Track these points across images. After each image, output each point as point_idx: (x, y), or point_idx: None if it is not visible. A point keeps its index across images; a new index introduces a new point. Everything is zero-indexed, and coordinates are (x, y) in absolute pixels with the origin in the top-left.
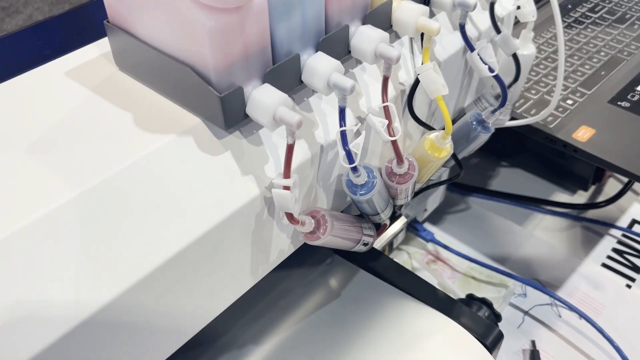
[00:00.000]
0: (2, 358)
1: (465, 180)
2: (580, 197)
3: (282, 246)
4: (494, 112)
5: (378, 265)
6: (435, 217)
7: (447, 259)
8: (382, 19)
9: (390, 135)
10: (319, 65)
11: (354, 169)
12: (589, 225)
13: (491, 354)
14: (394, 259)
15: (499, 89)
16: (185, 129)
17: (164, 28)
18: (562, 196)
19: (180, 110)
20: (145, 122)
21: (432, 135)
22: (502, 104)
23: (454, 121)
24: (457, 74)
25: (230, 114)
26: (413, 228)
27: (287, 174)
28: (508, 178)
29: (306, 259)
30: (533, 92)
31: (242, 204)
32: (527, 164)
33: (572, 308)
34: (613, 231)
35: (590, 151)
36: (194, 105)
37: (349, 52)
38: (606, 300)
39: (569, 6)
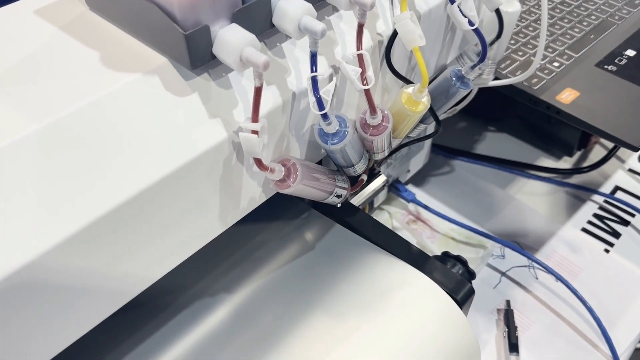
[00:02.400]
0: None
1: (451, 143)
2: (565, 163)
3: (252, 194)
4: (473, 67)
5: (354, 220)
6: (418, 179)
7: (427, 220)
8: None
9: (364, 84)
10: (289, 7)
11: (325, 116)
12: (572, 190)
13: (461, 309)
14: (377, 216)
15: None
16: (151, 68)
17: None
18: (547, 161)
19: (148, 50)
20: (111, 61)
21: (409, 88)
22: (482, 59)
23: (435, 77)
24: (439, 29)
25: (195, 53)
26: (395, 188)
27: (255, 118)
28: (494, 142)
29: (282, 213)
30: (520, 53)
31: (208, 147)
32: (514, 128)
33: (548, 270)
34: (595, 197)
35: (573, 113)
36: (161, 44)
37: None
38: (583, 264)
39: None
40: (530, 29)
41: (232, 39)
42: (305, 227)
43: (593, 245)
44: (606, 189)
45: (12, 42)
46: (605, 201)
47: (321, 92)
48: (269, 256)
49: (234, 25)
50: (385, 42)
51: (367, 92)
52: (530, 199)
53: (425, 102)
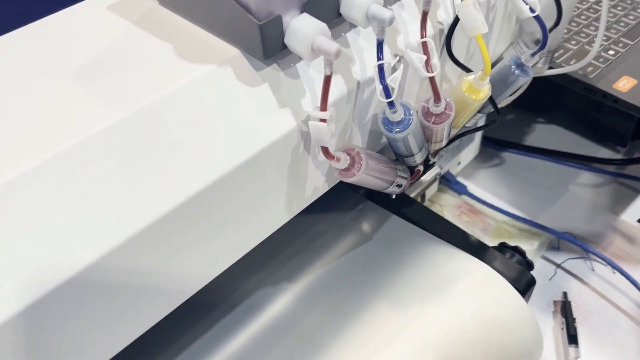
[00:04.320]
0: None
1: (500, 135)
2: (619, 154)
3: (317, 183)
4: (533, 54)
5: (410, 211)
6: (469, 172)
7: (480, 212)
8: None
9: (429, 72)
10: None
11: (391, 104)
12: (626, 181)
13: (523, 297)
14: None
15: (538, 34)
16: (224, 60)
17: None
18: (600, 152)
19: (220, 42)
20: (185, 53)
21: (470, 76)
22: (543, 47)
23: (492, 65)
24: (496, 17)
25: (269, 43)
26: (446, 180)
27: (324, 106)
28: (544, 134)
29: (338, 204)
30: (573, 42)
31: (279, 136)
32: (564, 120)
33: (606, 260)
34: None
35: (632, 101)
36: (233, 36)
37: None
38: None
39: None
40: (583, 17)
41: (304, 29)
42: (362, 218)
43: None
44: None
45: (87, 37)
46: None
47: (388, 80)
48: (327, 247)
49: (305, 15)
50: (446, 31)
51: (432, 80)
52: (584, 191)
53: (486, 90)
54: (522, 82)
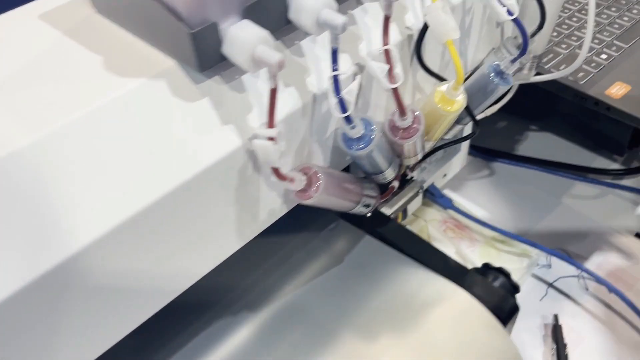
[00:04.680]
0: None
1: (490, 143)
2: (616, 163)
3: (272, 205)
4: (513, 61)
5: (386, 231)
6: (456, 183)
7: (467, 227)
8: None
9: (391, 82)
10: (307, 0)
11: (347, 119)
12: (623, 193)
13: (504, 326)
14: (409, 227)
15: (521, 39)
16: (157, 72)
17: None
18: (596, 162)
19: (157, 53)
20: (115, 66)
21: (443, 86)
22: (523, 52)
23: (471, 73)
24: (475, 20)
25: (203, 53)
26: (430, 194)
27: (271, 122)
28: (536, 142)
29: (309, 223)
30: (564, 46)
31: (220, 157)
32: (558, 127)
33: (600, 280)
34: None
35: (625, 109)
36: (168, 46)
37: None
38: (639, 273)
39: None
40: (574, 19)
41: (242, 37)
42: (334, 239)
43: None
44: None
45: (12, 49)
46: None
47: (343, 93)
48: (294, 272)
49: (246, 21)
50: (416, 37)
51: (396, 91)
52: (578, 203)
53: (460, 100)
54: (503, 91)
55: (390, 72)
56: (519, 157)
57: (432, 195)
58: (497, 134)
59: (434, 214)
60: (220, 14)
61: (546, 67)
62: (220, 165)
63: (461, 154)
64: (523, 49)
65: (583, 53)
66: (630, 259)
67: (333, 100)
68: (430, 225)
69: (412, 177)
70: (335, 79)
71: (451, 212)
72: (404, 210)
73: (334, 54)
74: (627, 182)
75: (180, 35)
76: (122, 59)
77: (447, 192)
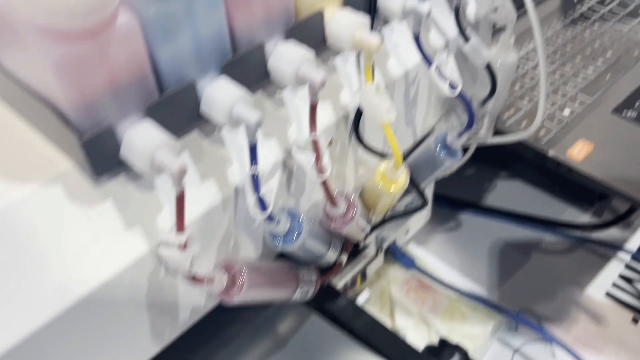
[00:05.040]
0: None
1: (457, 192)
2: (585, 214)
3: (194, 304)
4: (460, 135)
5: (334, 308)
6: (421, 237)
7: (430, 287)
8: (311, 33)
9: (319, 174)
10: (218, 94)
11: (270, 218)
12: (594, 247)
13: None
14: (370, 287)
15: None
16: (53, 175)
17: (18, 58)
18: (567, 212)
19: (54, 150)
20: (8, 167)
21: (383, 165)
22: (469, 127)
23: (421, 141)
24: (422, 88)
25: (97, 161)
26: (392, 253)
27: (179, 227)
28: (505, 191)
29: None
30: (526, 100)
31: (124, 266)
32: (527, 175)
33: (567, 349)
34: (621, 254)
35: (587, 171)
36: (64, 147)
37: (267, 75)
38: (609, 337)
39: None
40: (537, 71)
41: (140, 142)
42: (278, 319)
43: (620, 314)
44: (633, 244)
45: None
46: (633, 258)
47: (263, 191)
48: (236, 356)
49: (146, 122)
50: (353, 115)
51: (324, 184)
52: (547, 259)
53: (401, 180)
54: (451, 164)
55: (317, 163)
56: (486, 208)
57: (394, 255)
58: (464, 182)
59: (397, 273)
60: (118, 115)
61: (507, 122)
62: (125, 275)
63: (425, 208)
64: (469, 124)
65: (538, 119)
66: (600, 322)
67: (251, 199)
68: (393, 286)
69: (365, 246)
70: (254, 177)
71: (414, 271)
72: (362, 274)
73: (252, 151)
74: (597, 235)
75: (72, 141)
76: (16, 159)
77: (411, 247)
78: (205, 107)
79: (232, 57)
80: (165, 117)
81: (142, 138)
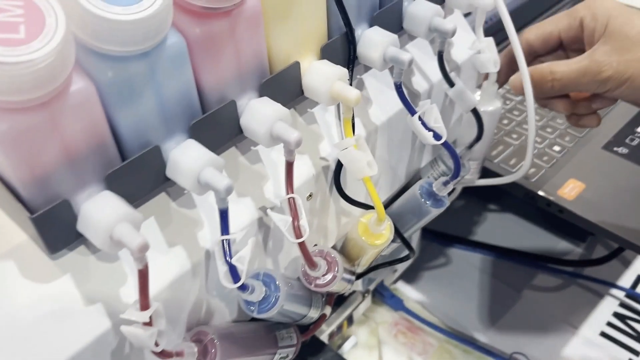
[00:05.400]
0: None
1: (447, 227)
2: (577, 248)
3: None
4: (446, 183)
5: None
6: (409, 274)
7: (419, 330)
8: (286, 86)
9: (296, 236)
10: (184, 159)
11: (242, 288)
12: (587, 283)
13: None
14: (359, 329)
15: (459, 150)
16: (7, 249)
17: None
18: (559, 245)
19: (9, 221)
20: None
21: (366, 217)
22: (455, 176)
23: (405, 188)
24: (405, 134)
25: (51, 237)
26: (379, 294)
27: (143, 304)
28: (497, 224)
29: None
30: (514, 136)
31: (84, 345)
32: (518, 208)
33: None
34: (615, 291)
35: (579, 212)
36: (17, 220)
37: (240, 131)
38: None
39: None
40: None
41: (97, 216)
42: None
43: (615, 354)
44: (627, 280)
45: None
46: (627, 296)
47: (235, 259)
48: None
49: (105, 194)
50: (333, 166)
51: (302, 245)
52: (539, 296)
53: (386, 233)
54: (437, 213)
55: (294, 224)
56: (477, 243)
57: (382, 296)
58: (454, 216)
59: (385, 314)
60: (74, 186)
61: (495, 160)
62: (85, 353)
63: (413, 243)
64: (455, 173)
65: (528, 161)
66: None
67: (222, 268)
68: (382, 328)
69: (351, 293)
70: (225, 244)
71: (403, 313)
72: (349, 318)
73: (223, 216)
74: (588, 270)
75: (24, 217)
76: None
77: (399, 285)
78: (171, 172)
79: (200, 118)
80: (127, 185)
81: (100, 211)
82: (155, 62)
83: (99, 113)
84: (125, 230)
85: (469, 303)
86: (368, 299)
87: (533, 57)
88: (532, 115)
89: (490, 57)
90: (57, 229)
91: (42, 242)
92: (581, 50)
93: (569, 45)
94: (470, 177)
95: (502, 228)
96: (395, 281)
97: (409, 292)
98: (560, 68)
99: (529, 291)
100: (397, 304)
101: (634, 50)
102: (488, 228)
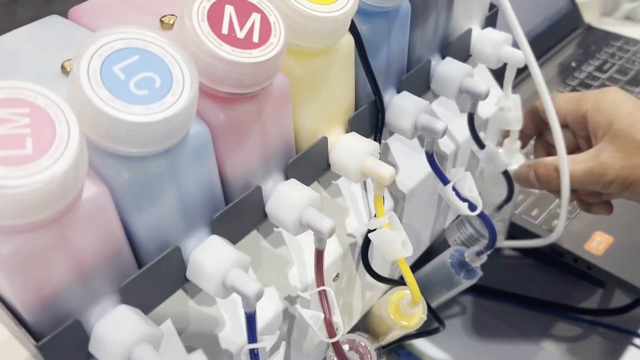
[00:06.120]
0: None
1: None
2: (595, 295)
3: None
4: (479, 254)
5: None
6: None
7: None
8: (315, 163)
9: (329, 336)
10: (208, 262)
11: None
12: (608, 332)
13: None
14: None
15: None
16: None
17: None
18: (576, 290)
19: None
20: None
21: (397, 296)
22: (490, 247)
23: (431, 252)
24: (431, 197)
25: None
26: (395, 353)
27: None
28: (512, 269)
29: None
30: None
31: None
32: (535, 251)
33: None
34: (637, 340)
35: (608, 268)
36: (24, 344)
37: (265, 216)
38: None
39: (573, 64)
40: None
41: (112, 337)
42: None
43: None
44: None
45: None
46: None
47: None
48: None
49: (121, 310)
50: (360, 242)
51: (336, 345)
52: (558, 347)
53: (418, 316)
54: (468, 285)
55: (326, 321)
56: (492, 290)
57: (397, 355)
58: None
59: None
60: (86, 303)
61: (516, 211)
62: None
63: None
64: (490, 243)
65: (560, 225)
66: None
67: None
68: None
69: None
70: (253, 354)
71: None
72: None
73: (250, 320)
74: (610, 319)
75: (27, 342)
76: None
77: (416, 340)
78: (192, 275)
79: (223, 211)
80: (145, 295)
81: (116, 332)
82: (176, 158)
83: (114, 220)
84: (146, 355)
85: (488, 357)
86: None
87: (543, 126)
88: (566, 177)
89: (514, 115)
90: (67, 354)
91: None
92: (586, 137)
93: (576, 131)
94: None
95: (519, 273)
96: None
97: (425, 348)
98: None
99: (549, 342)
100: None
101: (638, 155)
102: (504, 272)
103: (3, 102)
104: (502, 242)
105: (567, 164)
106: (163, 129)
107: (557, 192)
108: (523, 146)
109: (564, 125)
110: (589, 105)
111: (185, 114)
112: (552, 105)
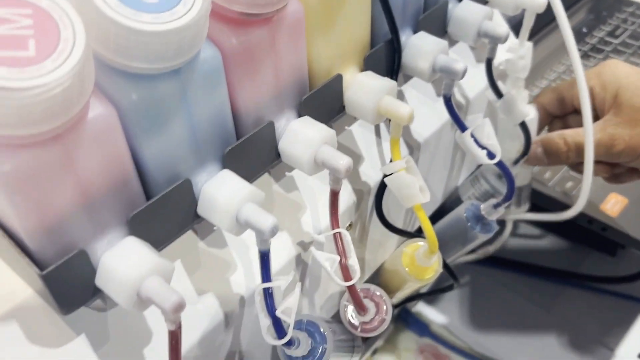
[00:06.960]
0: None
1: None
2: (606, 263)
3: None
4: (497, 206)
5: None
6: (434, 296)
7: (446, 357)
8: (329, 103)
9: (345, 279)
10: (221, 195)
11: (289, 343)
12: (618, 300)
13: None
14: (383, 355)
15: None
16: (13, 307)
17: None
18: (589, 257)
19: (16, 277)
20: None
21: (412, 248)
22: (509, 197)
23: (443, 210)
24: (447, 151)
25: (64, 296)
26: (402, 320)
27: None
28: (518, 239)
29: None
30: None
31: None
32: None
33: None
34: None
35: (624, 229)
36: (25, 277)
37: (278, 156)
38: None
39: (584, 30)
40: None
41: (121, 268)
42: None
43: None
44: None
45: None
46: None
47: (279, 311)
48: None
49: (130, 241)
50: (374, 191)
51: (352, 289)
52: (571, 315)
53: (435, 266)
54: (484, 239)
55: (341, 265)
56: (502, 260)
57: (405, 321)
58: None
59: (409, 341)
60: (92, 233)
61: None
62: None
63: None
64: (509, 194)
65: (583, 196)
66: None
67: (265, 322)
68: (405, 356)
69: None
70: (267, 294)
71: (428, 338)
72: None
73: (264, 259)
74: (622, 287)
75: (31, 272)
76: None
77: (422, 308)
78: (204, 210)
79: (235, 144)
80: (154, 228)
81: (125, 264)
82: (187, 80)
83: (122, 144)
84: (157, 286)
85: (497, 326)
86: (391, 327)
87: (550, 118)
88: (590, 144)
89: (526, 64)
90: (72, 287)
91: (54, 302)
92: (594, 116)
93: None
94: (516, 208)
95: (524, 242)
96: (416, 303)
97: (433, 316)
98: (575, 139)
99: (559, 311)
100: (421, 329)
101: None
102: (510, 243)
103: (2, 1)
104: (524, 215)
105: (591, 129)
106: (174, 40)
107: (571, 166)
108: (541, 128)
109: (572, 111)
110: (592, 83)
111: (197, 28)
112: (578, 55)
